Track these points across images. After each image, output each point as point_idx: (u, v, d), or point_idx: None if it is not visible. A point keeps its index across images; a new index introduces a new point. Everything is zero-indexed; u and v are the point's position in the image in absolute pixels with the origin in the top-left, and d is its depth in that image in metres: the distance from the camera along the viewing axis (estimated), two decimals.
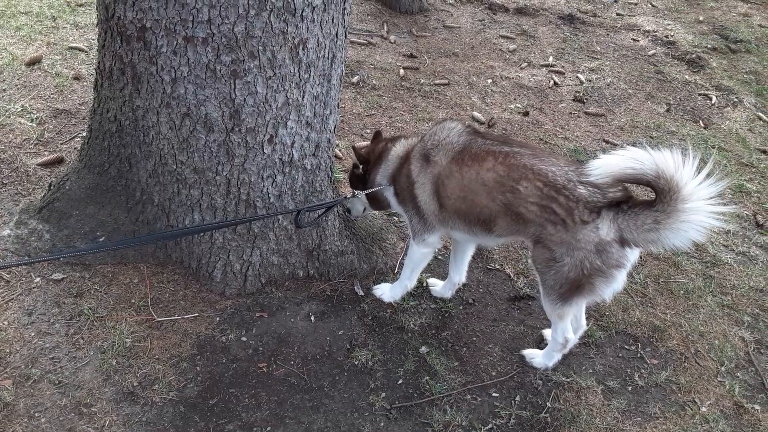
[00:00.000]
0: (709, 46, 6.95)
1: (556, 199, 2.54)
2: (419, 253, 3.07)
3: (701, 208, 2.38)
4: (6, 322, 2.81)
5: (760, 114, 5.71)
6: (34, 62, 4.55)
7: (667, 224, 2.42)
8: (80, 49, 4.87)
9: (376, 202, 3.15)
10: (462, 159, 2.73)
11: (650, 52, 6.67)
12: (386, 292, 3.22)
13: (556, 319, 2.79)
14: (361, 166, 3.09)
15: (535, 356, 2.99)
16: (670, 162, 2.35)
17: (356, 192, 3.10)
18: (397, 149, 3.04)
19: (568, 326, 2.83)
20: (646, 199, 2.52)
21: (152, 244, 3.17)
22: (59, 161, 3.72)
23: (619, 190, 2.54)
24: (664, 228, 2.43)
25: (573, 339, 2.90)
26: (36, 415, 2.50)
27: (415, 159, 2.88)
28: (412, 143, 3.01)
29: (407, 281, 3.16)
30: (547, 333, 3.09)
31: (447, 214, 2.83)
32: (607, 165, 2.47)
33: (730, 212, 2.45)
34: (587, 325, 3.06)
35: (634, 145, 4.81)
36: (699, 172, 2.36)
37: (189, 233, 3.06)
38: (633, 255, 2.58)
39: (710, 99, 5.89)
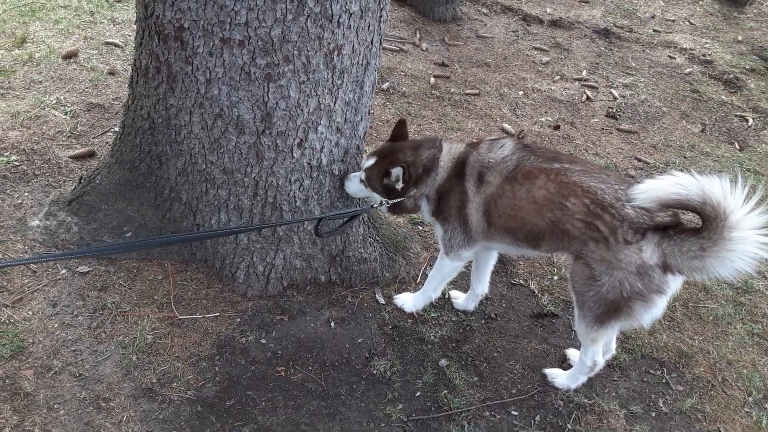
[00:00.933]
0: (747, 66, 6.82)
1: (601, 216, 2.50)
2: (451, 267, 3.02)
3: (749, 238, 2.31)
4: (30, 312, 2.84)
5: None
6: (70, 56, 4.63)
7: (713, 252, 2.36)
8: (116, 45, 4.94)
9: (402, 209, 3.02)
10: (515, 177, 2.68)
11: (686, 71, 6.56)
12: (408, 301, 3.19)
13: (588, 342, 2.73)
14: (401, 185, 2.86)
15: (557, 376, 2.93)
16: (717, 189, 2.28)
17: (383, 200, 2.93)
18: (444, 159, 2.88)
19: (599, 350, 2.77)
20: (695, 226, 2.46)
21: (161, 246, 3.15)
22: (91, 155, 3.77)
23: (669, 215, 2.49)
24: (709, 256, 2.37)
25: (601, 363, 2.84)
26: (55, 406, 2.52)
27: (471, 177, 2.78)
28: (458, 153, 2.87)
29: (432, 293, 3.13)
30: (570, 353, 3.03)
31: (494, 231, 2.78)
32: (652, 189, 2.41)
33: None
34: (615, 349, 3.00)
35: (667, 164, 4.76)
36: (748, 200, 2.29)
37: (206, 237, 3.06)
38: (675, 283, 2.51)
39: (747, 121, 5.77)
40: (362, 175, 2.98)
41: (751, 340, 3.34)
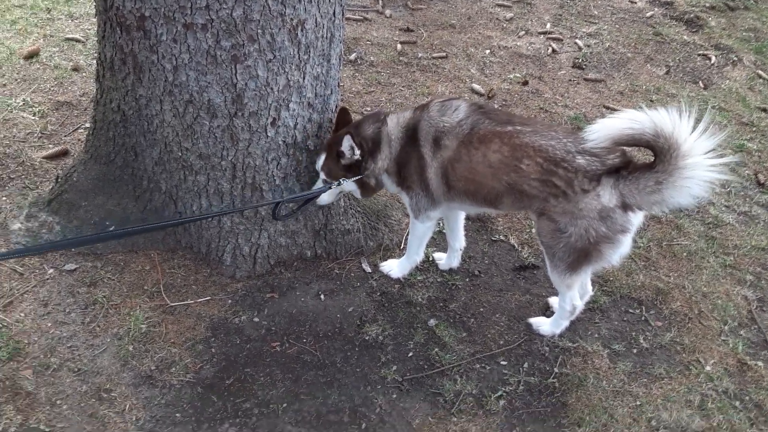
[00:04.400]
0: (707, 4, 6.89)
1: (555, 172, 2.58)
2: (424, 228, 3.10)
3: (702, 163, 2.40)
4: (23, 314, 2.88)
5: (760, 72, 5.69)
6: (32, 55, 4.56)
7: (670, 183, 2.45)
8: (77, 40, 4.87)
9: (368, 187, 3.04)
10: (470, 141, 2.73)
11: (648, 14, 6.62)
12: (394, 268, 3.27)
13: (564, 289, 2.84)
14: (358, 153, 2.86)
15: (541, 324, 3.05)
16: (667, 120, 2.37)
17: (342, 180, 2.92)
18: (393, 130, 2.91)
19: (575, 294, 2.89)
20: (646, 163, 2.54)
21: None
22: (64, 153, 3.76)
23: (618, 156, 2.57)
24: (666, 188, 2.46)
25: (580, 306, 2.96)
26: (57, 402, 2.58)
27: (427, 142, 2.82)
28: (407, 120, 2.90)
29: (415, 256, 3.22)
30: (552, 301, 3.15)
31: (455, 194, 2.85)
32: (605, 128, 2.49)
33: (731, 162, 2.48)
34: (593, 290, 3.12)
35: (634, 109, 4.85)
36: (696, 128, 2.38)
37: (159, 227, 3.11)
38: (637, 219, 2.61)
39: (709, 59, 5.86)
40: (322, 174, 2.99)
41: (724, 272, 3.47)
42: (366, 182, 2.99)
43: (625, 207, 2.55)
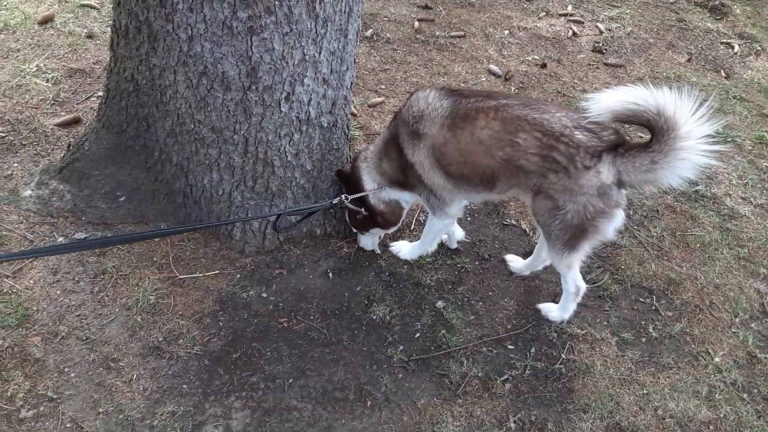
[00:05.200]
0: None
1: (556, 147, 2.53)
2: (441, 225, 3.06)
3: (697, 147, 2.39)
4: (32, 281, 2.89)
5: None
6: (46, 21, 4.53)
7: (664, 164, 2.45)
8: (92, 7, 4.83)
9: (385, 216, 3.11)
10: (453, 123, 2.67)
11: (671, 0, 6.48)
12: (403, 249, 3.26)
13: (564, 270, 2.81)
14: (351, 199, 3.04)
15: (551, 310, 3.02)
16: (670, 101, 2.35)
17: (344, 196, 3.03)
18: (369, 149, 3.04)
19: (577, 274, 2.86)
20: (641, 141, 2.53)
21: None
22: (76, 121, 3.75)
23: (613, 133, 2.54)
24: (661, 168, 2.46)
25: (583, 286, 2.92)
26: (65, 369, 2.60)
27: (406, 141, 2.80)
28: (387, 134, 2.95)
29: (428, 246, 3.19)
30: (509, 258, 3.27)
31: (454, 182, 2.79)
32: (608, 101, 2.45)
33: (725, 151, 2.49)
34: (602, 279, 3.09)
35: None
36: (696, 111, 2.37)
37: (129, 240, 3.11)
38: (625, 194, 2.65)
39: (732, 48, 5.74)
40: (359, 232, 3.24)
41: (738, 264, 3.43)
42: (382, 211, 3.09)
43: (620, 184, 2.54)
